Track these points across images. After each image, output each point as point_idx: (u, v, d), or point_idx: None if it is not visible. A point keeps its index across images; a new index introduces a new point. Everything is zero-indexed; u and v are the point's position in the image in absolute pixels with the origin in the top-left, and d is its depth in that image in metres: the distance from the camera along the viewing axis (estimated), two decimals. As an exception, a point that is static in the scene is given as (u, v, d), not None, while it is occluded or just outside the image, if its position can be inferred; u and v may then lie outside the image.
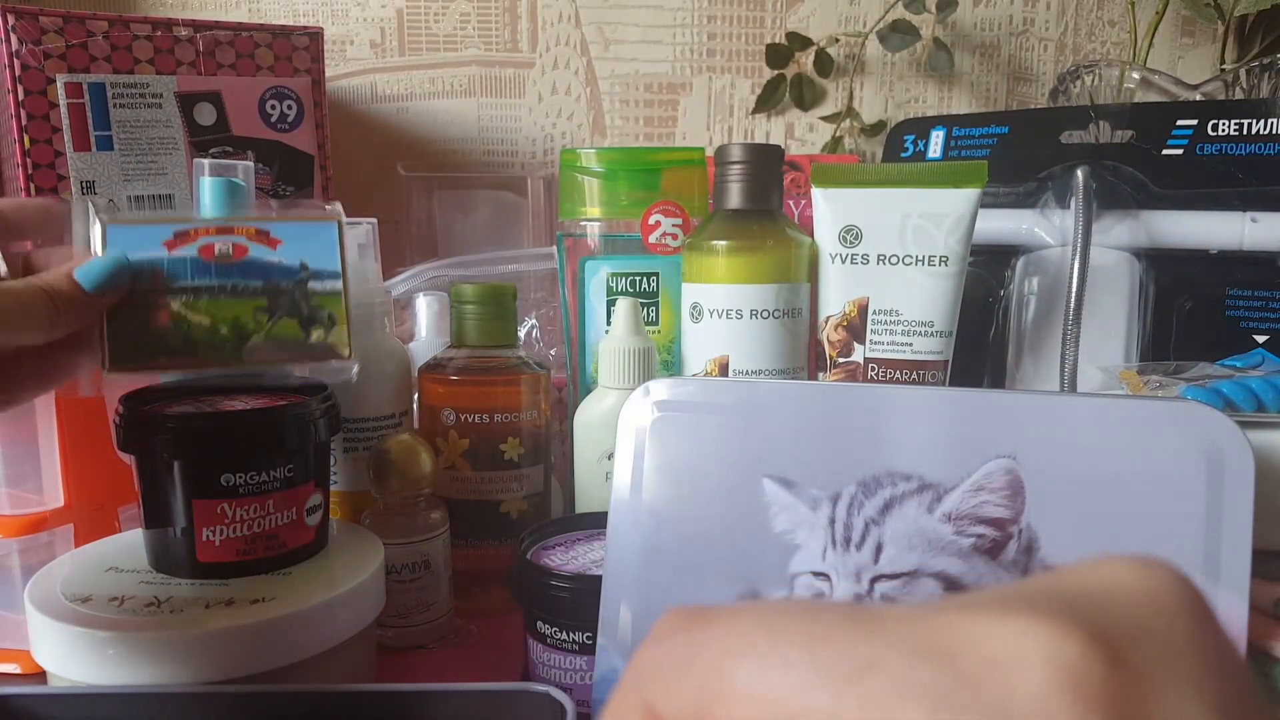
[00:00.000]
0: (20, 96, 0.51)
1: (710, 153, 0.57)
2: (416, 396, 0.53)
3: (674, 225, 0.55)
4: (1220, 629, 0.14)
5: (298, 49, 0.58)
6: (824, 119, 0.82)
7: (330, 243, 0.42)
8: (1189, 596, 0.14)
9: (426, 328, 0.62)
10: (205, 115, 0.55)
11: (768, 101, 0.81)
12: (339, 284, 0.41)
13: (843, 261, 0.52)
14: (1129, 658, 0.13)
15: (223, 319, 0.40)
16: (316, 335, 0.40)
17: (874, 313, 0.52)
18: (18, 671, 0.45)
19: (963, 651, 0.13)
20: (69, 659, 0.35)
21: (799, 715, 0.13)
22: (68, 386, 0.40)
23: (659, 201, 0.55)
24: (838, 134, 0.81)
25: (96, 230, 0.39)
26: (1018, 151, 0.62)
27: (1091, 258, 0.55)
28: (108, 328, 0.38)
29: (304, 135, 0.58)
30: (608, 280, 0.56)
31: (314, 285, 0.41)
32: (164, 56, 0.54)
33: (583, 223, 0.57)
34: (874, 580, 0.34)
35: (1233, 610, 0.32)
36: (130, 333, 0.38)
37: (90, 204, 0.39)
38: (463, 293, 0.51)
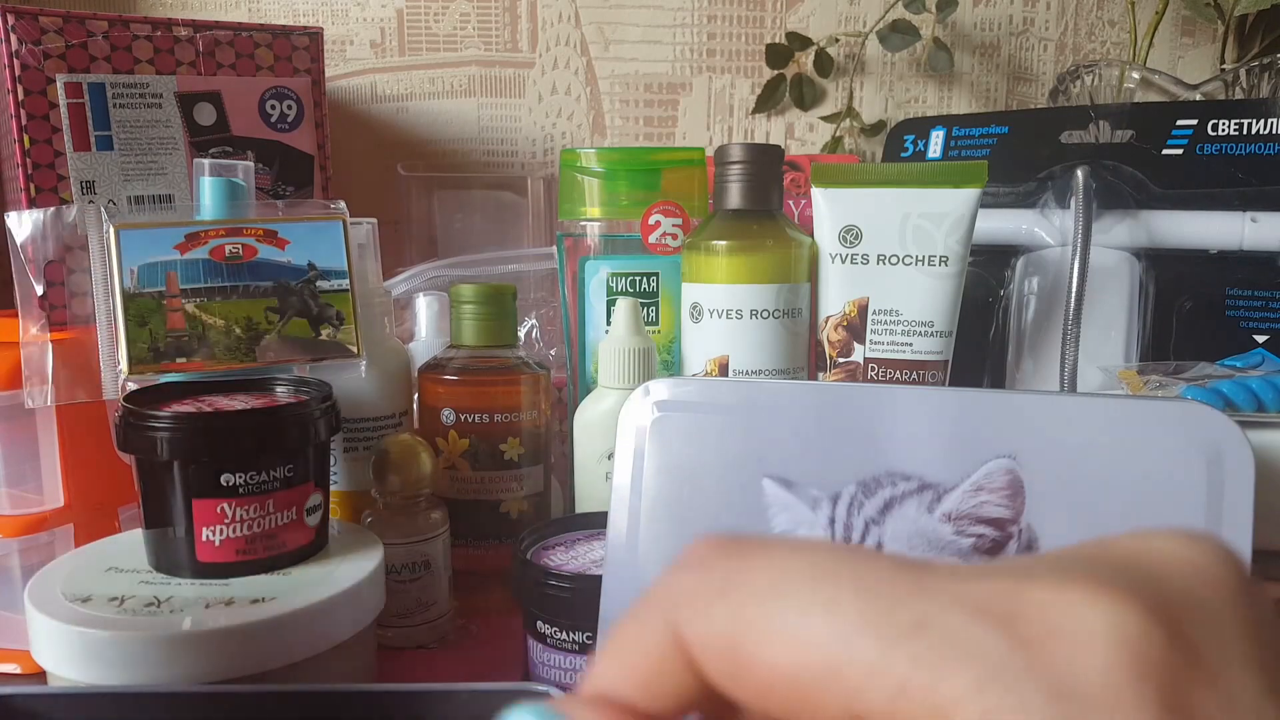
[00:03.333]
0: (20, 96, 0.51)
1: (710, 153, 0.57)
2: (416, 396, 0.53)
3: (674, 225, 0.55)
4: (1268, 604, 0.14)
5: (298, 49, 0.58)
6: (824, 119, 0.82)
7: (336, 242, 0.42)
8: (1238, 572, 0.14)
9: (426, 328, 0.62)
10: (205, 115, 0.55)
11: (768, 101, 0.81)
12: (346, 282, 0.42)
13: (843, 261, 0.52)
14: (1186, 634, 0.12)
15: (236, 319, 0.40)
16: (326, 333, 0.41)
17: (874, 313, 0.52)
18: (18, 671, 0.45)
19: (1020, 617, 0.12)
20: (69, 659, 0.35)
21: (840, 664, 0.13)
22: (73, 390, 0.40)
23: (659, 201, 0.55)
24: (838, 134, 0.81)
25: (110, 234, 0.39)
26: (1018, 151, 0.62)
27: (1091, 258, 0.55)
28: (126, 331, 0.38)
29: (304, 135, 0.58)
30: (608, 280, 0.56)
31: (322, 284, 0.41)
32: (164, 56, 0.54)
33: (583, 223, 0.57)
34: (874, 580, 0.34)
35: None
36: (148, 336, 0.39)
37: (103, 209, 0.39)
38: (462, 293, 0.51)
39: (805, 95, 0.81)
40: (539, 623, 0.40)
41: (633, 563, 0.36)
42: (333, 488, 0.49)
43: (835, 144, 0.81)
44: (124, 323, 0.40)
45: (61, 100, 0.51)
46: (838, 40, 0.81)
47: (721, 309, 0.51)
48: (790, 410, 0.36)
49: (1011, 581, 0.13)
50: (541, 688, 0.34)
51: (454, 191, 0.79)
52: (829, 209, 0.52)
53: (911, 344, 0.51)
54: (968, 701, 0.12)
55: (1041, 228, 0.60)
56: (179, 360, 0.40)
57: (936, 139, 0.66)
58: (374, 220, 0.52)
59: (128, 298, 0.41)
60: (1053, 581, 0.13)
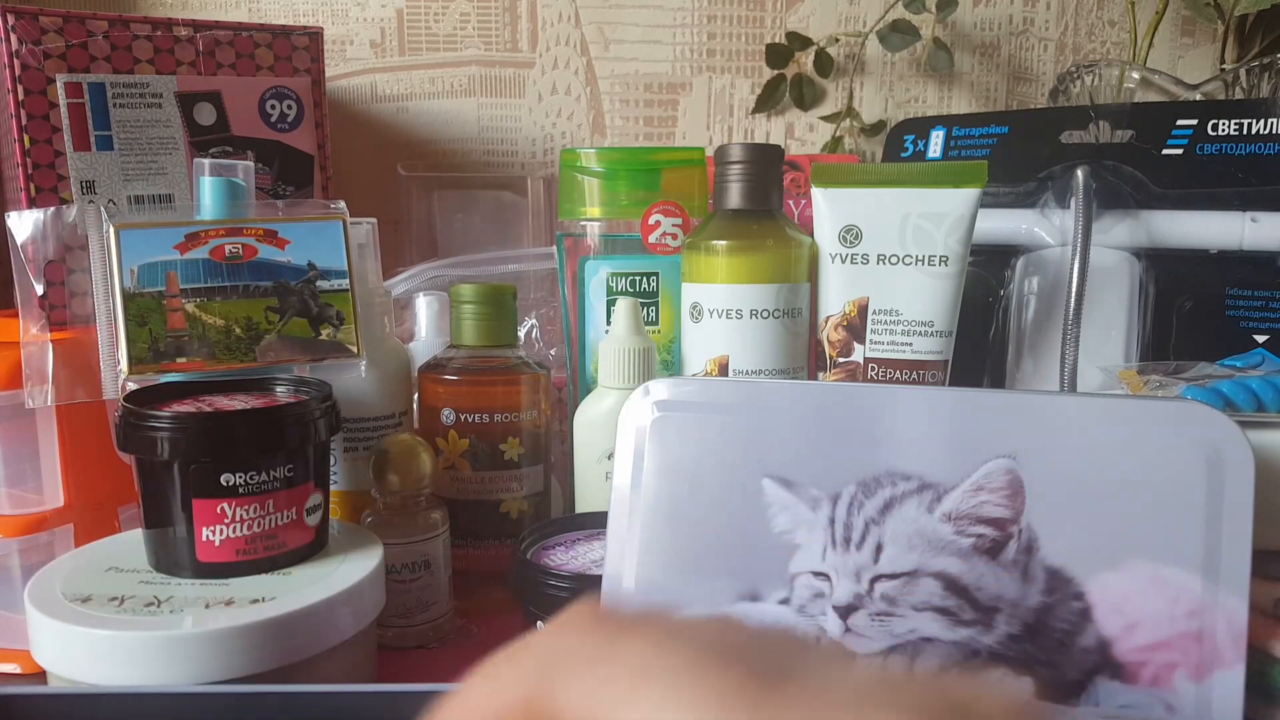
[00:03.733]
0: (20, 96, 0.51)
1: (710, 153, 0.57)
2: (416, 396, 0.53)
3: (674, 225, 0.55)
4: None
5: (297, 49, 0.58)
6: (824, 119, 0.82)
7: (336, 241, 0.42)
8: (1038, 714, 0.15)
9: (426, 328, 0.62)
10: (205, 115, 0.55)
11: (768, 101, 0.81)
12: (346, 282, 0.42)
13: (843, 261, 0.52)
14: None
15: (235, 319, 0.40)
16: (326, 333, 0.41)
17: (874, 312, 0.52)
18: (18, 671, 0.45)
19: None
20: (69, 659, 0.35)
21: None
22: (73, 390, 0.40)
23: (659, 201, 0.55)
24: (838, 134, 0.81)
25: (110, 234, 0.39)
26: (1018, 151, 0.62)
27: (1091, 258, 0.55)
28: (126, 331, 0.38)
29: (304, 135, 0.58)
30: (608, 280, 0.56)
31: (322, 284, 0.41)
32: (164, 56, 0.54)
33: (583, 223, 0.57)
34: (874, 580, 0.34)
35: (1233, 610, 0.32)
36: (148, 336, 0.39)
37: (102, 209, 0.39)
38: (462, 293, 0.51)
39: (805, 95, 0.81)
40: (539, 623, 0.40)
41: (632, 563, 0.36)
42: (333, 488, 0.49)
43: (835, 144, 0.81)
44: (124, 322, 0.40)
45: (61, 100, 0.51)
46: (838, 40, 0.80)
47: (721, 309, 0.51)
48: (790, 410, 0.36)
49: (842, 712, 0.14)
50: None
51: (454, 191, 0.79)
52: (829, 209, 0.52)
53: (911, 344, 0.51)
54: None
55: (1041, 228, 0.60)
56: (179, 360, 0.40)
57: (936, 139, 0.66)
58: (374, 220, 0.52)
59: (128, 297, 0.41)
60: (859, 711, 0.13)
